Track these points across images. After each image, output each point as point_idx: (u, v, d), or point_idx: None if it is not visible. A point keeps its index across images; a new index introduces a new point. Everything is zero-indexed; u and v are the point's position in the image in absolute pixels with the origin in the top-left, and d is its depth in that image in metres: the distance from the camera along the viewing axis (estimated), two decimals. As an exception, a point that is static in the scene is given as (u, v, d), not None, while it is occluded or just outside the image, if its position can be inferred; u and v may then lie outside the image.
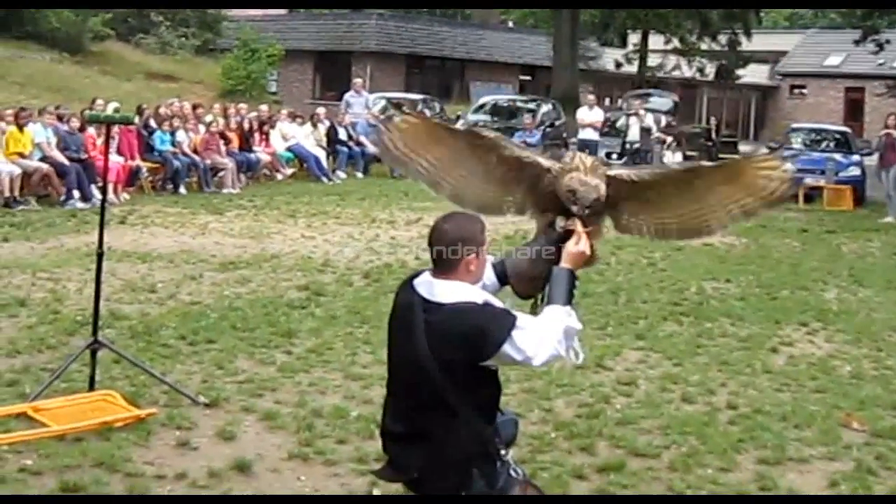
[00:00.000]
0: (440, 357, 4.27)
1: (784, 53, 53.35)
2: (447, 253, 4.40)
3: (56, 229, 13.80)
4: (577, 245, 4.56)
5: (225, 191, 19.19)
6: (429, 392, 4.33)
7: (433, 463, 4.38)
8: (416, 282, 4.48)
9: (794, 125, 30.01)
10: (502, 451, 4.42)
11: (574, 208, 4.59)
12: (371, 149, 23.80)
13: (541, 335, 4.33)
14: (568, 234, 4.57)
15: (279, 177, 21.38)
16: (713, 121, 26.43)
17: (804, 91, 52.27)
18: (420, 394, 4.37)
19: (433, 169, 5.07)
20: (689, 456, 6.38)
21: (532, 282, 4.68)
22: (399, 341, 4.46)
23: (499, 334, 4.27)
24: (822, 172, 24.24)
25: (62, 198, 16.15)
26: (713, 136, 25.38)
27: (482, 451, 4.34)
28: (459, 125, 25.93)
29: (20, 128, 16.26)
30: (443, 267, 4.40)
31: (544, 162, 4.83)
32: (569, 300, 4.51)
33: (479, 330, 4.27)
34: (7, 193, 15.45)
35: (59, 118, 17.21)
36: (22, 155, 16.10)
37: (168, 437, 6.26)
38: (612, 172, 4.78)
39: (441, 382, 4.29)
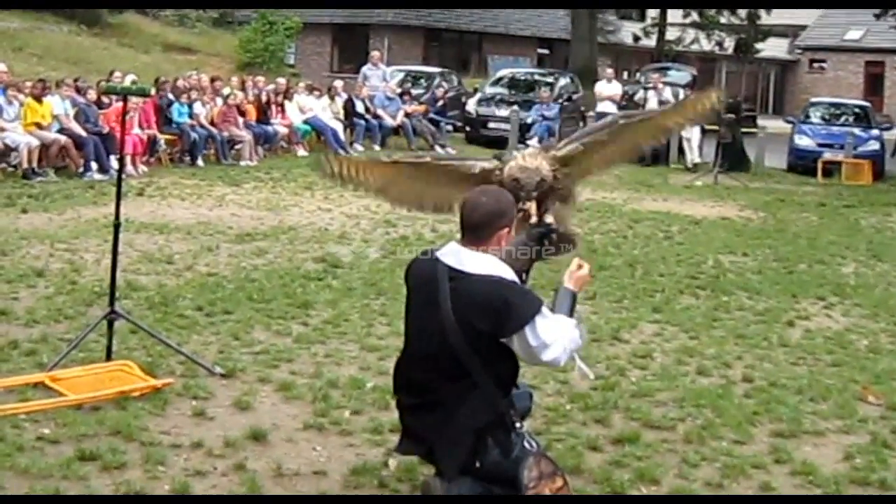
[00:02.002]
0: (465, 326, 4.30)
1: (804, 27, 53.00)
2: (482, 224, 4.45)
3: (74, 201, 13.83)
4: (582, 269, 4.69)
5: (242, 163, 19.20)
6: (450, 362, 4.36)
7: (448, 431, 4.40)
8: (441, 252, 4.52)
9: (814, 99, 29.88)
10: (517, 423, 4.43)
11: (522, 194, 5.00)
12: (388, 121, 23.83)
13: (558, 332, 4.39)
14: (541, 221, 5.04)
15: (299, 151, 21.34)
16: (739, 96, 26.27)
17: (824, 65, 51.95)
18: (440, 364, 4.40)
19: (377, 185, 5.84)
20: (704, 428, 6.37)
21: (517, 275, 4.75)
22: (421, 311, 4.49)
23: (525, 314, 4.30)
24: (841, 147, 24.17)
25: (80, 169, 16.18)
26: (740, 110, 25.26)
27: (497, 421, 4.36)
28: (472, 102, 25.77)
29: (38, 99, 16.28)
30: (475, 238, 4.46)
31: (487, 165, 5.37)
32: (571, 316, 4.62)
33: (506, 305, 4.30)
34: (25, 165, 15.47)
35: (77, 90, 17.24)
36: (40, 126, 16.12)
37: (184, 407, 6.28)
38: (561, 152, 5.34)
39: (463, 351, 4.32)
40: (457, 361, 4.37)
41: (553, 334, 4.38)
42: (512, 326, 4.31)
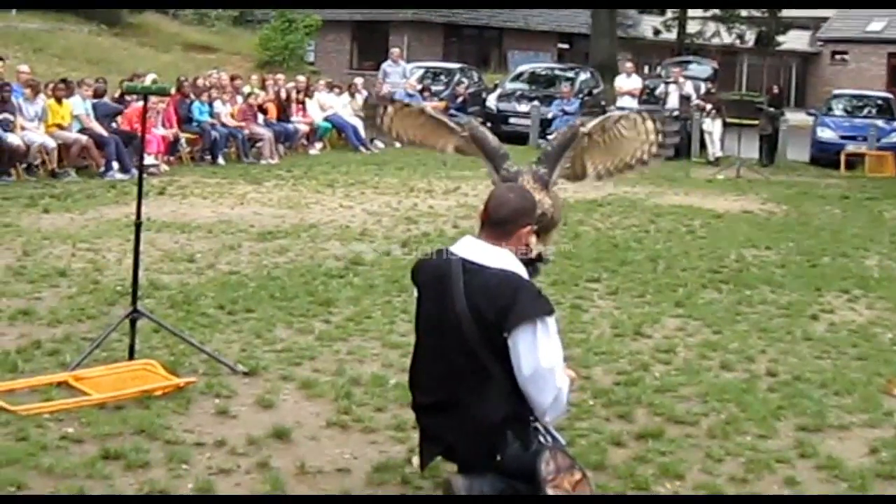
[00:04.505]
0: (478, 317, 4.30)
1: (825, 19, 52.65)
2: (507, 220, 4.44)
3: (96, 200, 13.88)
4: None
5: (263, 161, 19.25)
6: (464, 355, 4.35)
7: (467, 428, 4.39)
8: (455, 247, 4.51)
9: (836, 91, 29.71)
10: (532, 417, 4.42)
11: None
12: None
13: (557, 359, 4.36)
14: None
15: (311, 150, 21.35)
16: (775, 88, 26.09)
17: (846, 57, 51.60)
18: (454, 358, 4.39)
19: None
20: (728, 423, 6.34)
21: None
22: (434, 306, 4.48)
23: (531, 310, 4.29)
24: (864, 139, 24.05)
25: (102, 169, 16.23)
26: (781, 103, 25.18)
27: (515, 415, 4.35)
28: (492, 98, 25.77)
29: (59, 100, 16.34)
30: (498, 233, 4.47)
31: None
32: None
33: (515, 297, 4.29)
34: (36, 164, 15.55)
35: (96, 92, 17.28)
36: (61, 127, 16.18)
37: (207, 406, 6.29)
38: (555, 183, 5.48)
39: (477, 343, 4.31)
40: (471, 355, 4.36)
41: (553, 352, 4.36)
42: (515, 320, 4.28)
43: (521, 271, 4.47)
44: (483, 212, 4.59)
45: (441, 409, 4.52)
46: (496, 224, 4.50)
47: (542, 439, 4.41)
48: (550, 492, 4.27)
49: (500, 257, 4.44)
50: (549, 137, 23.88)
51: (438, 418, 4.55)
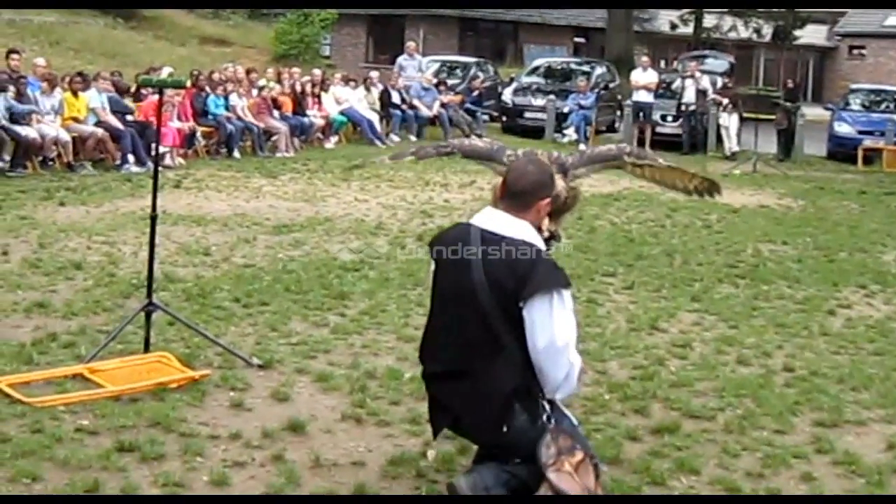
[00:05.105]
0: (494, 285, 4.31)
1: (843, 14, 52.44)
2: (526, 192, 4.47)
3: (111, 193, 13.89)
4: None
5: (279, 154, 19.25)
6: (478, 325, 4.35)
7: (477, 397, 4.39)
8: (475, 218, 4.54)
9: (853, 86, 29.59)
10: (541, 394, 4.40)
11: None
12: (425, 112, 23.79)
13: (571, 334, 4.34)
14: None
15: (327, 144, 21.35)
16: (790, 83, 26.00)
17: (863, 52, 51.33)
18: (468, 328, 4.39)
19: None
20: (744, 418, 6.31)
21: None
22: (450, 275, 4.49)
23: (548, 281, 4.30)
24: (882, 134, 23.97)
25: (117, 162, 16.25)
26: (798, 97, 25.07)
27: (525, 388, 4.33)
28: (508, 92, 25.72)
29: (75, 93, 16.36)
30: (517, 205, 4.49)
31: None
32: None
33: (532, 267, 4.31)
34: (48, 157, 15.59)
35: (115, 85, 17.30)
36: (77, 120, 16.21)
37: (222, 398, 6.29)
38: (577, 175, 5.57)
39: (492, 312, 4.31)
40: (486, 325, 4.35)
41: (568, 326, 4.34)
42: (532, 289, 4.27)
43: (540, 244, 4.48)
44: (501, 185, 4.59)
45: (452, 378, 4.51)
46: (515, 196, 4.51)
47: (544, 418, 4.38)
48: (552, 476, 4.25)
49: (520, 228, 4.45)
50: (566, 132, 23.98)
51: (448, 387, 4.54)
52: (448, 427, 4.74)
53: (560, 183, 4.96)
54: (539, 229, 4.64)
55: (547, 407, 4.41)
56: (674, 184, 6.40)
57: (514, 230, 4.42)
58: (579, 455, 4.34)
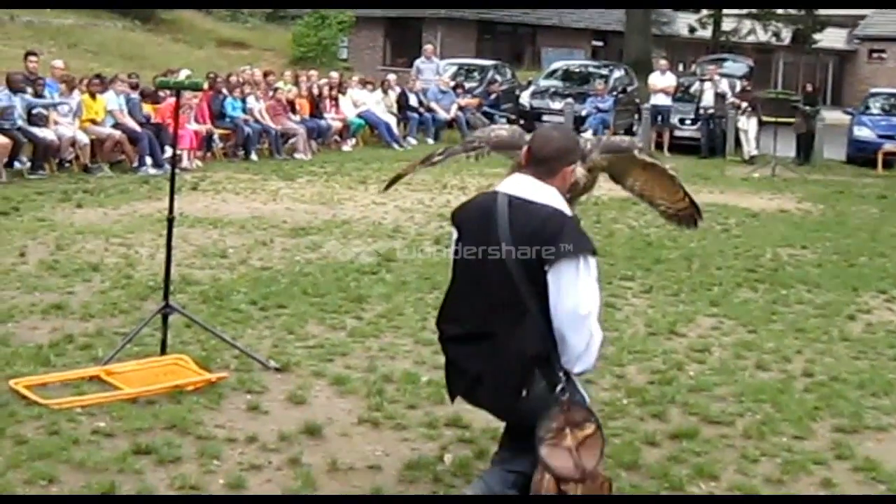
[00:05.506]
0: (521, 249, 4.29)
1: (863, 17, 52.28)
2: (552, 158, 4.49)
3: (129, 195, 13.92)
4: None
5: (297, 156, 19.26)
6: (504, 287, 4.33)
7: (499, 360, 4.36)
8: (501, 185, 4.54)
9: (873, 90, 29.42)
10: (559, 365, 4.35)
11: None
12: (442, 115, 23.77)
13: (595, 302, 4.32)
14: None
15: (344, 147, 21.35)
16: (808, 86, 25.88)
17: (883, 55, 51.18)
18: (493, 291, 4.38)
19: None
20: (763, 423, 6.27)
21: None
22: (477, 241, 4.48)
23: (575, 245, 4.27)
24: (902, 137, 23.83)
25: (135, 164, 16.29)
26: (817, 101, 24.95)
27: (545, 355, 4.30)
28: (526, 95, 25.57)
29: (93, 95, 16.40)
30: (543, 171, 4.49)
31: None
32: None
33: (560, 231, 4.30)
34: (66, 159, 15.64)
35: (143, 92, 17.36)
36: (94, 122, 16.24)
37: (239, 401, 6.27)
38: (594, 159, 5.43)
39: (518, 276, 4.29)
40: (511, 289, 4.31)
41: (592, 293, 4.32)
42: (559, 253, 4.25)
43: (567, 209, 4.46)
44: (526, 152, 4.57)
45: (473, 340, 4.47)
46: (541, 162, 4.49)
47: (562, 389, 4.33)
48: (542, 452, 4.18)
49: (547, 193, 4.43)
50: (584, 135, 23.94)
51: (469, 349, 4.50)
52: (464, 395, 4.68)
53: (579, 170, 4.95)
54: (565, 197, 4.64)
55: (564, 379, 4.37)
56: (661, 197, 6.17)
57: (541, 195, 4.41)
58: (590, 429, 4.28)
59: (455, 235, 4.68)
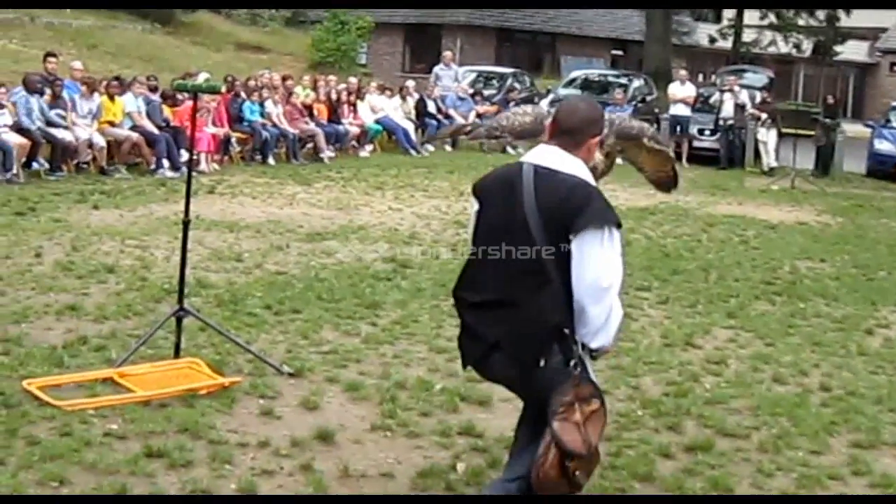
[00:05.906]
0: (547, 217, 4.29)
1: (884, 29, 52.07)
2: (578, 129, 4.50)
3: (145, 198, 13.93)
4: None
5: (322, 155, 19.31)
6: (527, 257, 4.31)
7: (519, 326, 4.34)
8: (527, 156, 4.55)
9: (894, 103, 29.30)
10: (575, 340, 4.32)
11: None
12: (460, 122, 23.71)
13: (618, 275, 4.33)
14: None
15: (362, 153, 21.34)
16: (830, 98, 25.79)
17: (905, 68, 50.99)
18: (516, 259, 4.37)
19: None
20: (779, 437, 6.22)
21: None
22: (501, 210, 4.49)
23: (600, 217, 4.31)
24: (922, 151, 23.71)
25: (152, 167, 16.30)
26: (838, 114, 24.85)
27: (563, 327, 4.27)
28: (545, 103, 25.57)
29: (111, 97, 16.42)
30: (569, 141, 4.50)
31: None
32: None
33: (586, 202, 4.32)
34: (83, 161, 15.66)
35: (152, 89, 17.38)
36: (112, 124, 16.26)
37: (252, 406, 6.26)
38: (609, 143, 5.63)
39: (542, 244, 4.28)
40: (534, 257, 4.30)
41: (616, 266, 4.31)
42: (584, 222, 4.24)
43: (592, 180, 4.44)
44: (552, 123, 4.55)
45: (494, 307, 4.45)
46: (566, 133, 4.48)
47: (576, 364, 4.29)
48: (555, 425, 4.18)
49: (573, 164, 4.43)
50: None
51: (489, 315, 4.47)
52: (477, 363, 4.63)
53: (597, 154, 4.96)
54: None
55: (578, 354, 4.33)
56: (651, 167, 6.46)
57: (567, 166, 4.40)
58: (595, 405, 4.28)
59: (476, 206, 4.65)
